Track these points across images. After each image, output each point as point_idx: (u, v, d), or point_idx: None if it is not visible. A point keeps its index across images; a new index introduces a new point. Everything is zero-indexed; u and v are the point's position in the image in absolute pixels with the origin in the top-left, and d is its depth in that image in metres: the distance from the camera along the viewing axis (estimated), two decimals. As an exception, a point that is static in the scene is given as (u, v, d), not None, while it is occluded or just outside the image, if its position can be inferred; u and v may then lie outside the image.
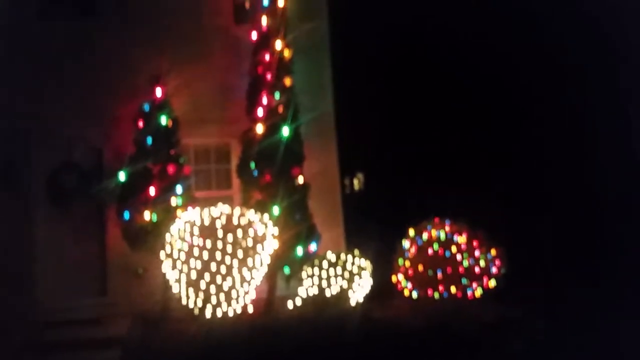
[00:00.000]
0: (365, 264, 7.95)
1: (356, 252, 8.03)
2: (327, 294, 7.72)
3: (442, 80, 11.14)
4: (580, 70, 11.55)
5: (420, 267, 7.74)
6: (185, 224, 7.24)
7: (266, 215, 7.67)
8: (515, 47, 11.29)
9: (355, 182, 13.03)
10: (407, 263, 7.92)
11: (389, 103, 10.94)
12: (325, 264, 7.81)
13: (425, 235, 7.93)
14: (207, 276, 6.98)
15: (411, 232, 8.14)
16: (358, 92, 10.49)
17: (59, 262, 8.30)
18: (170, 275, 7.25)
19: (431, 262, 7.67)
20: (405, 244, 8.10)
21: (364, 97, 10.62)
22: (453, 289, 7.57)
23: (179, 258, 7.11)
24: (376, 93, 10.87)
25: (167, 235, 7.31)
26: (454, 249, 7.63)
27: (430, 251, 7.73)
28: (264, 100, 8.34)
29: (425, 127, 11.17)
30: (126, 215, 7.79)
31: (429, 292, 7.69)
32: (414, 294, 7.88)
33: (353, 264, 7.84)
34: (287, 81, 8.49)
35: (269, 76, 8.42)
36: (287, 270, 8.10)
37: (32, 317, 7.87)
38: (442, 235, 7.81)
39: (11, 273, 7.99)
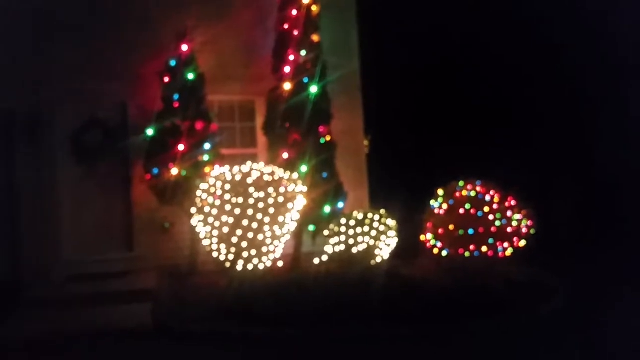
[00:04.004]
0: (392, 223, 7.98)
1: (382, 211, 8.04)
2: (354, 251, 7.76)
3: (473, 39, 10.96)
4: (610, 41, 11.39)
5: (451, 227, 7.75)
6: (217, 181, 7.22)
7: (295, 174, 7.65)
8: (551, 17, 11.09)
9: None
10: (437, 222, 7.92)
11: (417, 63, 10.78)
12: (352, 222, 7.83)
13: (456, 195, 7.90)
14: (239, 231, 7.00)
15: (440, 192, 8.13)
16: (385, 50, 10.33)
17: (85, 217, 8.33)
18: (201, 229, 7.27)
19: (462, 221, 7.67)
20: (435, 203, 8.08)
21: (392, 55, 10.47)
22: (484, 248, 7.58)
23: (210, 213, 7.11)
24: (404, 52, 10.69)
25: (199, 191, 7.30)
26: (486, 208, 7.61)
27: (461, 211, 7.72)
28: (291, 57, 8.22)
29: (454, 87, 11.03)
30: (155, 171, 7.76)
31: (460, 251, 7.71)
32: (444, 253, 7.91)
33: (380, 222, 7.87)
34: (315, 37, 8.37)
35: (295, 32, 8.30)
36: (312, 228, 8.13)
37: (61, 271, 7.93)
38: (474, 195, 7.79)
39: (38, 228, 8.01)
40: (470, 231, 7.61)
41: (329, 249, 7.90)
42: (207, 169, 7.75)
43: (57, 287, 7.53)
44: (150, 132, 7.92)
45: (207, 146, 7.89)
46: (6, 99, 7.95)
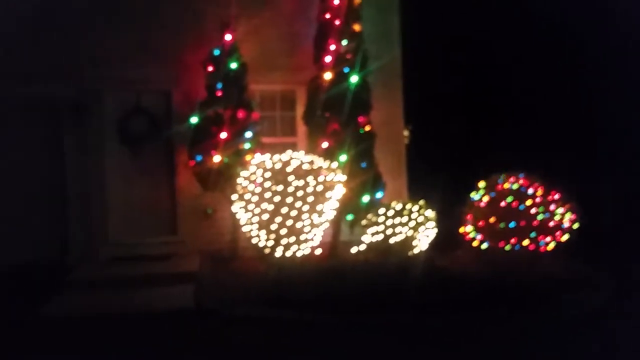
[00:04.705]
0: (431, 214, 7.94)
1: (421, 202, 8.00)
2: (392, 241, 7.76)
3: (518, 27, 10.67)
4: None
5: (492, 219, 7.65)
6: (257, 169, 7.34)
7: (334, 163, 7.70)
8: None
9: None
10: (478, 214, 7.83)
11: (459, 51, 10.59)
12: (391, 212, 7.82)
13: (498, 188, 7.79)
14: (278, 219, 7.11)
15: (481, 184, 8.02)
16: (427, 39, 10.18)
17: (130, 201, 8.61)
18: (242, 216, 7.41)
19: (504, 214, 7.55)
20: (475, 195, 7.99)
21: (433, 44, 10.31)
22: (526, 242, 7.45)
23: (250, 200, 7.24)
24: (445, 40, 10.51)
25: (240, 178, 7.43)
26: (528, 202, 7.48)
27: (503, 203, 7.60)
28: (332, 47, 8.23)
29: (497, 77, 10.79)
30: (199, 157, 7.93)
31: (501, 244, 7.61)
32: (484, 246, 7.82)
33: (419, 213, 7.84)
34: (356, 27, 8.34)
35: (337, 22, 8.28)
36: (350, 217, 8.17)
37: (107, 252, 8.23)
38: (516, 188, 7.66)
39: (85, 212, 8.32)
40: (512, 224, 7.48)
41: (366, 238, 7.93)
42: (248, 157, 7.88)
43: (103, 268, 7.79)
44: (194, 120, 8.08)
45: (248, 134, 8.01)
46: (53, 84, 8.23)
